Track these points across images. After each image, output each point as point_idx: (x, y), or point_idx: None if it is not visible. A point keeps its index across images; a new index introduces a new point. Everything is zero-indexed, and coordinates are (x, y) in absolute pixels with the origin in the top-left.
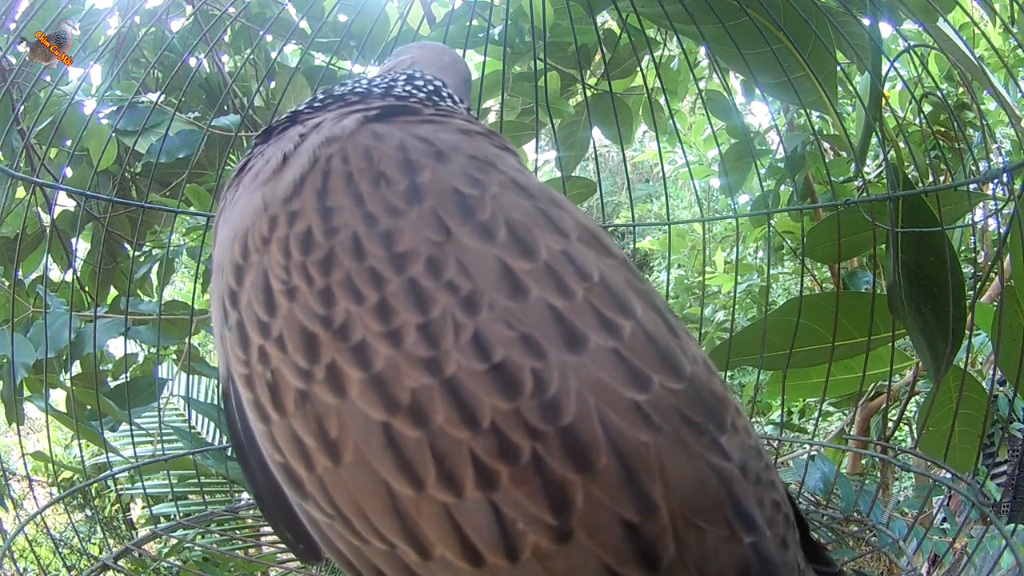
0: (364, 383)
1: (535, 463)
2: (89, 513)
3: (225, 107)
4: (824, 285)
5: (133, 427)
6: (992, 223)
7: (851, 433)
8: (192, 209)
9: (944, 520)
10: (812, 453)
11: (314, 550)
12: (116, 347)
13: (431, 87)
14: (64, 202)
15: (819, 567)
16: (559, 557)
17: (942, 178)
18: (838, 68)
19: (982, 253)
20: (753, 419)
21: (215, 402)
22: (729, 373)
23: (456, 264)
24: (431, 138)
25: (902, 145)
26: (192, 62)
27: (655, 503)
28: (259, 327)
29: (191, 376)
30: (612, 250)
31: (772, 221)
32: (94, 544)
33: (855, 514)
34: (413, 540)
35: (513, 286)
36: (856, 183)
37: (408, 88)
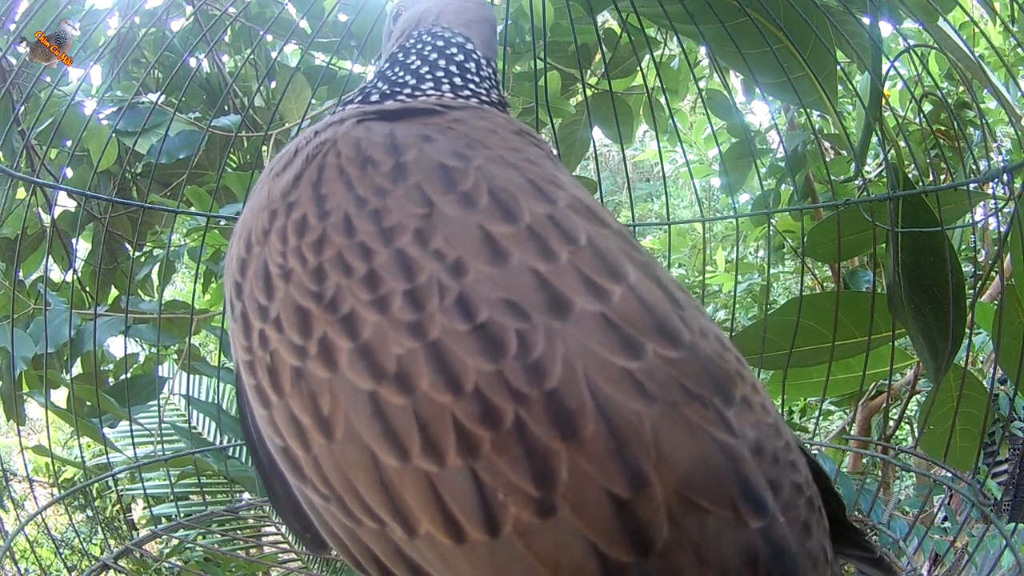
0: (353, 353)
1: (517, 429)
2: (90, 513)
3: (225, 107)
4: (825, 284)
5: (133, 426)
6: (992, 222)
7: (852, 432)
8: (192, 209)
9: (945, 519)
10: (813, 452)
11: (320, 539)
12: (117, 347)
13: (455, 64)
14: (64, 202)
15: (857, 552)
16: (542, 533)
17: (942, 177)
18: (838, 67)
19: (982, 252)
20: None
21: (215, 401)
22: None
23: (442, 233)
24: (426, 129)
25: (902, 144)
26: (192, 62)
27: (647, 477)
28: (259, 312)
29: (191, 375)
30: (607, 221)
31: (772, 220)
32: (95, 544)
33: (856, 513)
34: (399, 515)
35: (493, 251)
36: (856, 182)
37: (434, 73)
